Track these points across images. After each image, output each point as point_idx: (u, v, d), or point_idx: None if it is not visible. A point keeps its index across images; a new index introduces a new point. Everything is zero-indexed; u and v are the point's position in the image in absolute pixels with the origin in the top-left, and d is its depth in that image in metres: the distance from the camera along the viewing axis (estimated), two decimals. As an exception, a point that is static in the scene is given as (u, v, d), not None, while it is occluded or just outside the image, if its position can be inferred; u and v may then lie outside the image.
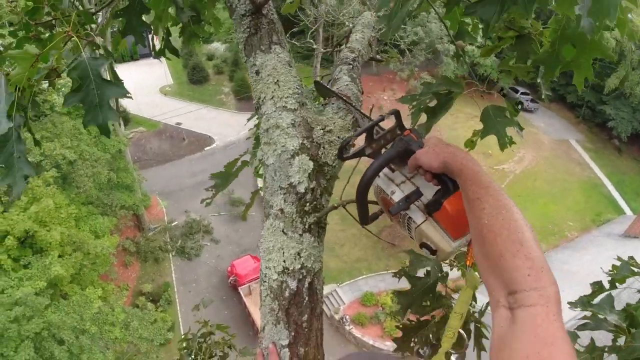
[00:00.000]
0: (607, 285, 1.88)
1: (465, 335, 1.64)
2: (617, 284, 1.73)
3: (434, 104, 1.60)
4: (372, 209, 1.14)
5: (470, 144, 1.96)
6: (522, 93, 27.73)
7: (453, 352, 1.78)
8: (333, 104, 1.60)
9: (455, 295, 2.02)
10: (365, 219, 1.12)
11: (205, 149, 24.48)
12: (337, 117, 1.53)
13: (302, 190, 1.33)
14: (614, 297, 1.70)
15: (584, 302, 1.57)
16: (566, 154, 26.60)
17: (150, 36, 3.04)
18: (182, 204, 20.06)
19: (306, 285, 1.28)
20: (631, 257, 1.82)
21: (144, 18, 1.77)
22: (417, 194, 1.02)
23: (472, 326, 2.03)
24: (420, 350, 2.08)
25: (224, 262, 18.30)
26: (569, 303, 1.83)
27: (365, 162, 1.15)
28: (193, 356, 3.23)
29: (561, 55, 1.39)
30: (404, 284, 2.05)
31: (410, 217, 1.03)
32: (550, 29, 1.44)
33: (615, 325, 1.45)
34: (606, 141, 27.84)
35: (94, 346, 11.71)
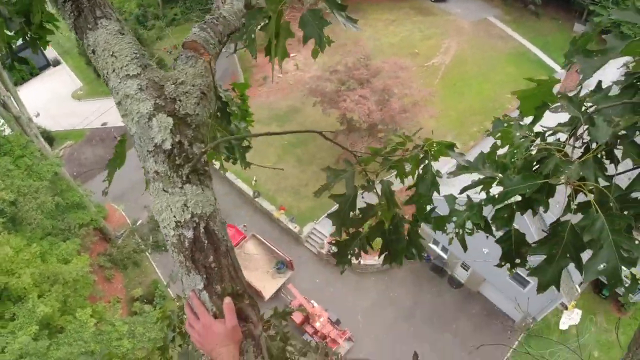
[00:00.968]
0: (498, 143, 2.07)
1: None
2: (498, 141, 1.88)
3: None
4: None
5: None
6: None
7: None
8: (181, 54, 1.61)
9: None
10: None
11: (141, 138, 23.60)
12: (188, 67, 1.55)
13: (169, 147, 1.38)
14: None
15: (467, 167, 1.70)
16: (488, 32, 27.17)
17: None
18: (139, 200, 19.56)
19: (202, 230, 1.37)
20: (505, 115, 1.99)
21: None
22: None
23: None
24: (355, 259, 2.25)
25: (199, 240, 18.40)
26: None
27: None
28: (177, 330, 3.37)
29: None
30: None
31: None
32: None
33: (491, 177, 1.61)
34: (522, 9, 28.48)
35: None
